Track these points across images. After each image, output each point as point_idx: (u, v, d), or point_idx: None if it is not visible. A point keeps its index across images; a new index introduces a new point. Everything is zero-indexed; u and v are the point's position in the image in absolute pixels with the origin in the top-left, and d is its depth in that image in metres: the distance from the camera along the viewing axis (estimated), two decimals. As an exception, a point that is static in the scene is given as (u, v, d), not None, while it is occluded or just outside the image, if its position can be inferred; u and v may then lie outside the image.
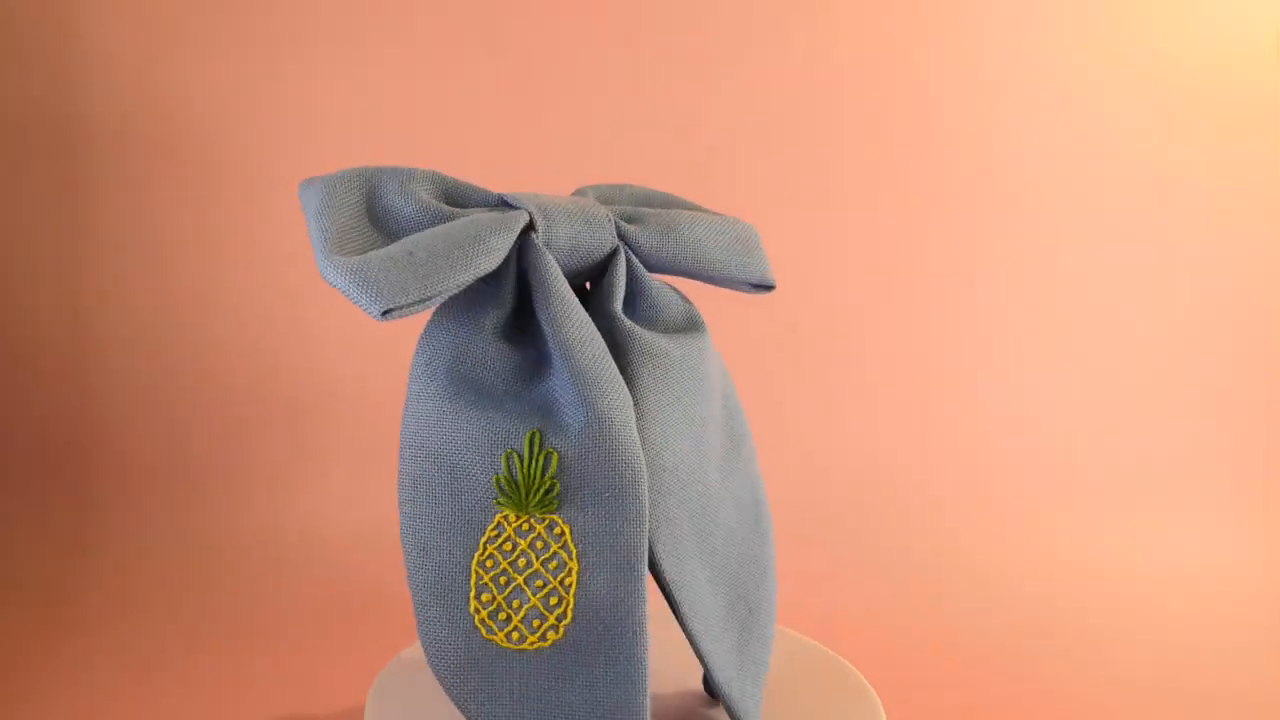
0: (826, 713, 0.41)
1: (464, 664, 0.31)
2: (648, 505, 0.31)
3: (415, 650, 0.45)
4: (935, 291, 0.85)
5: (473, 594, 0.31)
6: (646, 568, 0.31)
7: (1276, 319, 0.85)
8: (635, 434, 0.31)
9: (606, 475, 0.31)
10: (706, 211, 0.39)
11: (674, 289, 0.37)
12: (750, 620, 0.36)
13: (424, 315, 0.35)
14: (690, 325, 0.36)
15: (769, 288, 0.38)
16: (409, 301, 0.30)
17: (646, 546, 0.31)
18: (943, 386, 0.85)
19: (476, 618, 0.31)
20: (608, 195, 0.38)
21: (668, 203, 0.39)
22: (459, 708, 0.31)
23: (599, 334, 0.32)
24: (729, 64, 0.84)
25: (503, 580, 0.31)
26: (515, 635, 0.31)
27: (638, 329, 0.34)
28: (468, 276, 0.31)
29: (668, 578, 0.33)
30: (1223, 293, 0.85)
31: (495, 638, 0.31)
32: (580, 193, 0.38)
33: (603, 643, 0.31)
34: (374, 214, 0.33)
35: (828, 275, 0.83)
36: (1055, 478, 0.83)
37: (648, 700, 0.31)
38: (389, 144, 0.83)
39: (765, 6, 0.83)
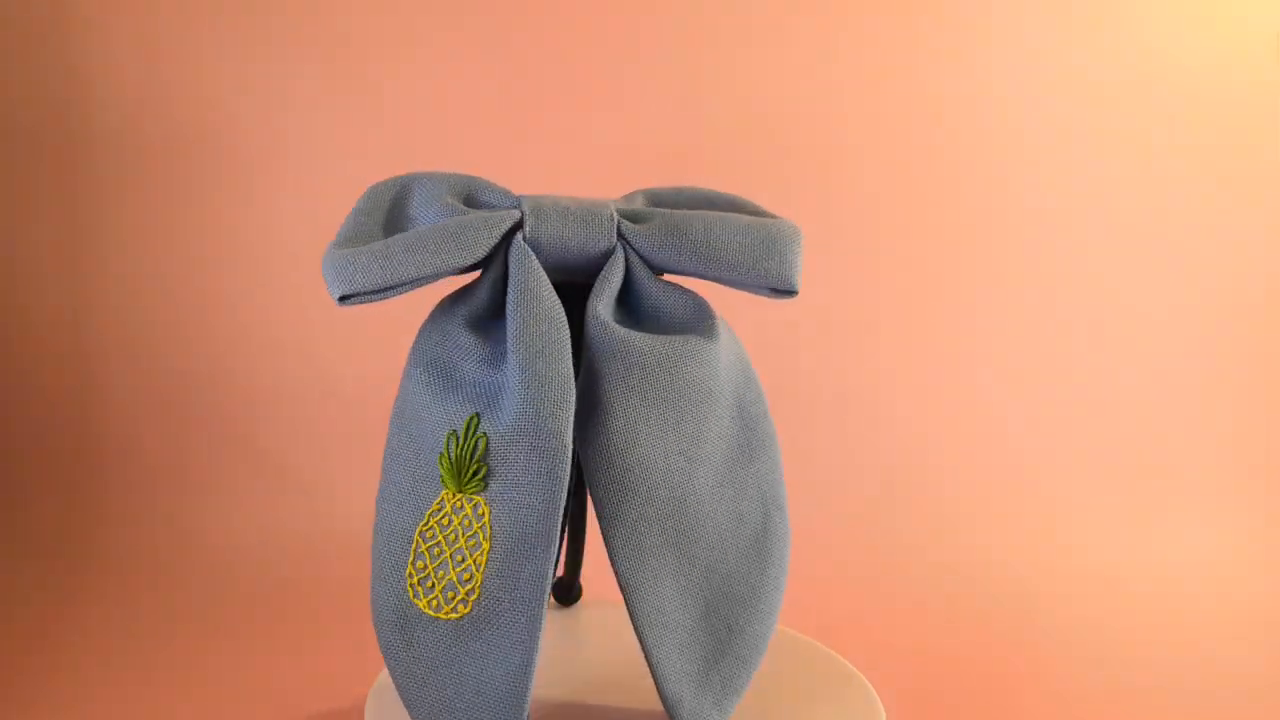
0: (827, 713, 0.41)
1: (393, 621, 0.34)
2: (562, 499, 0.32)
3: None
4: (937, 292, 0.85)
5: (411, 559, 0.34)
6: (553, 557, 0.33)
7: (1277, 319, 0.85)
8: (564, 428, 0.32)
9: (525, 463, 0.32)
10: (757, 213, 0.37)
11: (684, 291, 0.36)
12: (729, 640, 0.36)
13: (421, 310, 0.37)
14: (694, 329, 0.36)
15: (789, 292, 0.36)
16: (367, 289, 0.33)
17: (556, 537, 0.32)
18: (944, 387, 0.85)
19: (409, 582, 0.34)
20: (660, 197, 0.38)
21: (733, 205, 0.38)
22: (384, 658, 0.34)
23: (561, 330, 0.33)
24: (742, 66, 0.84)
25: (435, 551, 0.34)
26: (435, 603, 0.33)
27: (615, 329, 0.34)
28: (432, 269, 0.33)
29: (622, 579, 0.34)
30: (1225, 293, 0.85)
31: (420, 603, 0.34)
32: (631, 196, 0.38)
33: (499, 622, 0.33)
34: (395, 215, 0.36)
35: (830, 274, 0.83)
36: (1056, 478, 0.83)
37: (529, 686, 0.32)
38: (392, 144, 0.83)
39: (770, 8, 0.83)
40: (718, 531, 0.36)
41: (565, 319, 0.34)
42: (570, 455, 0.32)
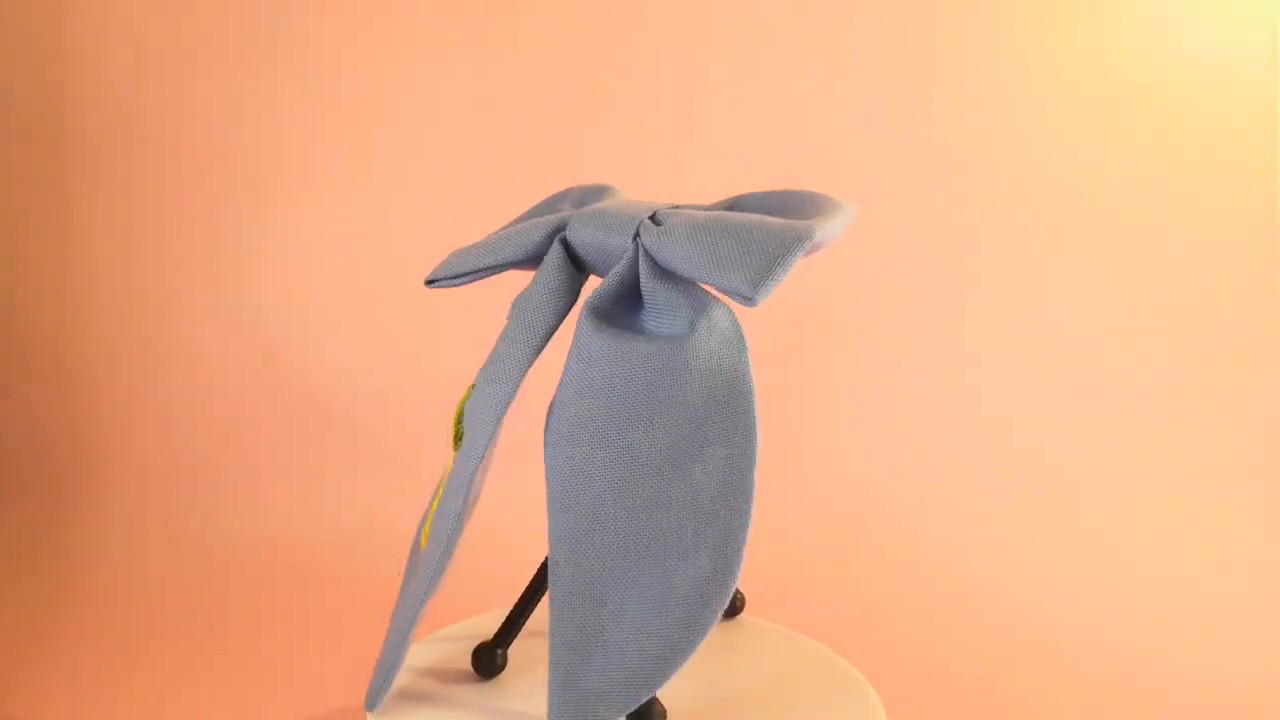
0: (827, 713, 0.41)
1: (412, 543, 0.41)
2: (472, 470, 0.37)
3: (417, 649, 0.45)
4: (941, 293, 0.86)
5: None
6: (461, 518, 0.37)
7: (1275, 320, 0.85)
8: (493, 405, 0.37)
9: (467, 432, 0.37)
10: (813, 215, 0.36)
11: (680, 292, 0.36)
12: (602, 659, 0.35)
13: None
14: (671, 329, 0.36)
15: (746, 298, 0.34)
16: (440, 277, 0.40)
17: (458, 506, 0.37)
18: (945, 388, 0.85)
19: (426, 519, 0.40)
20: (742, 202, 0.40)
21: (800, 207, 0.38)
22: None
23: (534, 318, 0.37)
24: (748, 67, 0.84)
25: (439, 496, 0.40)
26: (423, 536, 0.40)
27: (585, 324, 0.36)
28: (486, 264, 0.39)
29: (548, 534, 0.36)
30: (1223, 294, 0.85)
31: (421, 533, 0.40)
32: (723, 201, 0.39)
33: (426, 563, 0.38)
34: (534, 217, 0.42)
35: (829, 279, 0.83)
36: (1056, 479, 0.83)
37: (412, 625, 0.38)
38: (390, 145, 0.83)
39: (771, 8, 0.84)
40: (638, 541, 0.35)
41: (551, 312, 0.37)
42: (492, 432, 0.36)
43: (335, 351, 0.84)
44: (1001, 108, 0.84)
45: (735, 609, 0.49)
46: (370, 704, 0.40)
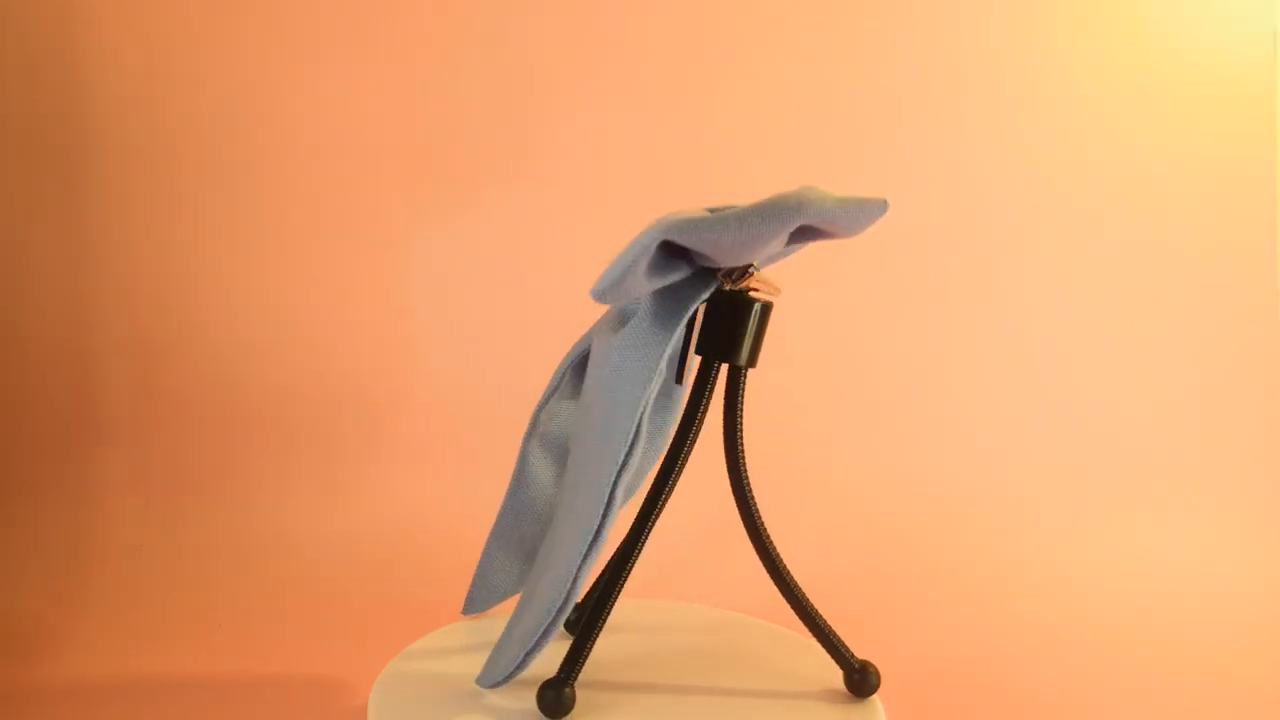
0: (827, 713, 0.41)
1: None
2: (543, 404, 0.46)
3: (418, 648, 0.45)
4: (941, 294, 0.85)
5: None
6: (527, 444, 0.46)
7: (1275, 319, 0.85)
8: (555, 378, 0.45)
9: None
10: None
11: (656, 290, 0.39)
12: (525, 604, 0.41)
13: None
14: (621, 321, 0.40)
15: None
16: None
17: (520, 461, 0.46)
18: (948, 390, 0.85)
19: None
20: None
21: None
22: None
23: (614, 312, 0.42)
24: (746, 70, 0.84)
25: None
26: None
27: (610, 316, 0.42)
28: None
29: None
30: (1223, 294, 0.85)
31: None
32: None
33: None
34: None
35: (834, 276, 0.83)
36: (1057, 480, 0.83)
37: (494, 531, 0.47)
38: (392, 147, 0.84)
39: (774, 10, 0.84)
40: (558, 533, 0.40)
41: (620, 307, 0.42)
42: (563, 373, 0.45)
43: (345, 352, 0.84)
44: (998, 110, 0.84)
45: (871, 687, 0.43)
46: (465, 608, 0.48)
